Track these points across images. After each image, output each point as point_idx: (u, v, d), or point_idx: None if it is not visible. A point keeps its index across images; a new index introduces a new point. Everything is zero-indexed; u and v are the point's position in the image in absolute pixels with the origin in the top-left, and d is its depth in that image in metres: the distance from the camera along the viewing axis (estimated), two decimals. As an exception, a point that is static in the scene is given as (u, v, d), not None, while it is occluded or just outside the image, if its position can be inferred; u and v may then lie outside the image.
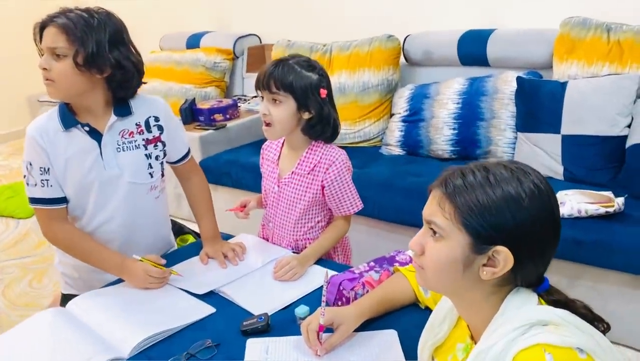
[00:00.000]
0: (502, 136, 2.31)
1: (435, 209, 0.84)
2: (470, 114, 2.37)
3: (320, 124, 1.51)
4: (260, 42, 3.57)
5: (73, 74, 1.36)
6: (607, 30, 2.17)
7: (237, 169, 2.60)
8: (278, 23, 3.50)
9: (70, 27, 1.34)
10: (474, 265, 0.81)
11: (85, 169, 1.46)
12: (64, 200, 1.48)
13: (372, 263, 1.44)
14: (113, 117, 1.47)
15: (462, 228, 0.80)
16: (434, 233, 0.84)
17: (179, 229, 2.07)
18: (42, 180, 1.44)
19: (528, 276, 0.82)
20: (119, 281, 1.49)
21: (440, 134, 2.42)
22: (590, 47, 2.16)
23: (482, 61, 2.53)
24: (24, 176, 1.47)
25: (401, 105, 2.60)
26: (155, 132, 1.55)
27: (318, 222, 1.61)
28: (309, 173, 1.54)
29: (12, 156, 4.61)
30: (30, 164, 1.44)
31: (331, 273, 1.46)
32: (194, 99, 3.05)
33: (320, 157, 1.53)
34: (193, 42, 3.62)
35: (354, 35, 2.92)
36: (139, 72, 1.49)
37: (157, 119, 1.56)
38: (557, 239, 0.82)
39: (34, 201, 1.46)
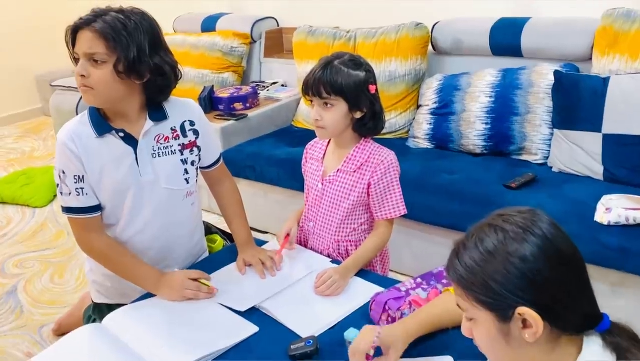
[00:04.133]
0: (537, 132, 2.23)
1: (458, 295, 0.86)
2: (504, 108, 2.28)
3: (373, 120, 1.48)
4: (278, 25, 3.46)
5: (113, 81, 1.30)
6: (652, 22, 2.07)
7: (260, 162, 2.53)
8: (296, 5, 3.39)
9: (109, 32, 1.26)
10: (513, 333, 0.81)
11: (120, 176, 1.41)
12: (98, 208, 1.43)
13: (418, 280, 1.38)
14: (149, 123, 1.41)
15: (479, 305, 0.82)
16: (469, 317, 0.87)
17: (206, 229, 2.02)
18: (77, 188, 1.38)
19: (571, 320, 0.80)
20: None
21: (472, 129, 2.34)
22: (634, 41, 2.06)
23: (515, 51, 2.43)
24: (57, 185, 1.41)
25: (429, 96, 2.51)
26: (191, 136, 1.49)
27: (361, 224, 1.57)
28: (355, 171, 1.50)
29: (22, 138, 4.53)
30: (63, 172, 1.38)
31: (373, 287, 1.41)
32: (212, 87, 2.96)
33: (369, 156, 1.50)
34: (208, 24, 3.51)
35: (378, 22, 2.81)
36: (176, 76, 1.42)
37: (192, 123, 1.50)
38: (581, 274, 0.82)
39: (68, 210, 1.41)
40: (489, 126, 2.30)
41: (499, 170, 2.17)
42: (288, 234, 1.56)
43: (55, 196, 3.26)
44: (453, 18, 2.64)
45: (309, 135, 2.77)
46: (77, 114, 3.49)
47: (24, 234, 2.86)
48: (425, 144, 2.50)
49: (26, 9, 4.86)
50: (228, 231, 2.01)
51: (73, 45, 1.32)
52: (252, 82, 3.30)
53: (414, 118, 2.61)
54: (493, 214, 0.89)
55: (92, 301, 1.63)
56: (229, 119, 2.72)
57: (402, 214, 1.51)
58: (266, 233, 2.71)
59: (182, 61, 3.30)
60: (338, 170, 1.53)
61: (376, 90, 1.48)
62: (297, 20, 3.34)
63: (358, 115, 1.47)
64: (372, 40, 2.69)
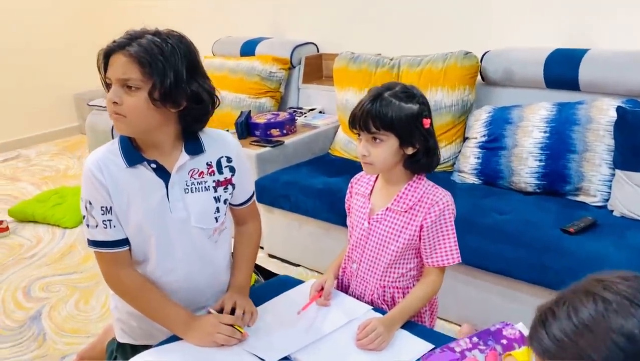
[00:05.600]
0: (596, 172, 2.06)
1: None
2: (560, 144, 2.13)
3: (426, 157, 1.35)
4: (318, 50, 3.38)
5: (147, 109, 1.20)
6: None
7: (295, 192, 2.42)
8: (337, 31, 3.31)
9: (144, 57, 1.17)
10: None
11: (149, 211, 1.30)
12: (126, 242, 1.32)
13: (474, 339, 1.24)
14: (185, 156, 1.31)
15: None
16: None
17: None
18: (104, 221, 1.28)
19: None
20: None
21: (524, 165, 2.18)
22: None
23: (572, 85, 2.28)
24: (83, 217, 1.31)
25: (477, 129, 2.38)
26: (227, 173, 1.38)
27: (410, 269, 1.43)
28: (406, 211, 1.37)
29: (57, 156, 4.55)
30: (90, 204, 1.29)
31: (422, 342, 1.27)
32: (249, 112, 2.88)
33: (422, 195, 1.36)
34: (248, 48, 3.45)
35: (422, 49, 2.71)
36: (214, 104, 1.32)
37: (229, 159, 1.39)
38: None
39: (95, 244, 1.31)
40: (543, 163, 2.15)
41: (554, 212, 2.01)
42: (322, 288, 1.43)
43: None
44: (504, 48, 2.51)
45: (346, 164, 2.69)
46: (112, 135, 3.49)
47: (52, 256, 2.80)
48: (472, 179, 2.35)
49: (66, 28, 4.93)
50: (262, 265, 1.90)
51: (105, 69, 1.23)
52: (290, 108, 3.22)
53: (460, 151, 2.47)
54: (589, 278, 0.76)
55: (117, 341, 1.52)
56: (265, 146, 2.63)
57: (456, 262, 1.37)
58: (298, 265, 2.59)
59: (219, 85, 3.26)
60: (387, 209, 1.40)
61: (431, 124, 1.36)
62: (337, 47, 3.26)
63: (410, 151, 1.34)
64: (417, 69, 2.57)
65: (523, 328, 1.25)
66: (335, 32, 3.31)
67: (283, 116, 2.87)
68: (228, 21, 3.90)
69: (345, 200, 1.55)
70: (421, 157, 1.35)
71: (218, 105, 1.35)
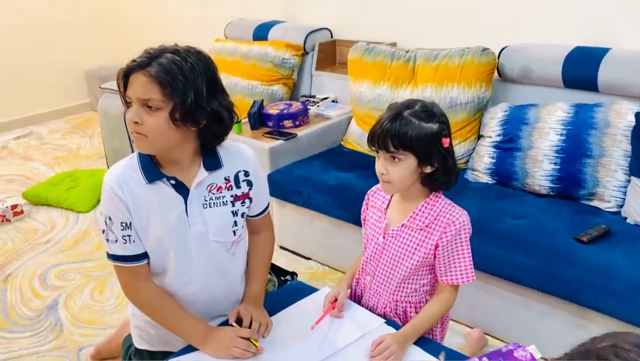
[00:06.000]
0: (611, 177, 2.04)
1: None
2: (576, 148, 2.11)
3: (444, 175, 1.34)
4: (332, 36, 3.33)
5: (168, 129, 1.21)
6: None
7: (308, 188, 2.43)
8: (353, 17, 3.25)
9: (164, 78, 1.17)
10: None
11: (169, 226, 1.32)
12: (146, 256, 1.35)
13: (484, 360, 1.26)
14: (203, 172, 1.32)
15: None
16: None
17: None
18: (124, 236, 1.30)
19: None
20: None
21: (539, 168, 2.17)
22: None
23: (591, 85, 2.24)
24: (103, 231, 1.33)
25: (493, 127, 2.35)
26: (245, 188, 1.39)
27: (423, 285, 1.44)
28: (422, 229, 1.37)
29: (69, 135, 4.56)
30: (110, 219, 1.30)
31: (433, 360, 1.30)
32: (262, 102, 2.87)
33: (438, 213, 1.37)
34: (261, 32, 3.41)
35: (439, 42, 2.67)
36: (232, 120, 1.32)
37: (247, 173, 1.39)
38: None
39: (114, 258, 1.33)
40: (558, 166, 2.13)
41: (567, 217, 2.00)
42: (336, 300, 1.45)
43: (99, 201, 3.25)
44: (523, 43, 2.46)
45: (359, 158, 2.68)
46: (127, 133, 3.46)
47: (67, 242, 2.84)
48: (485, 178, 2.34)
49: (76, 3, 4.88)
50: (278, 264, 1.92)
51: (125, 87, 1.23)
52: (302, 96, 3.20)
53: (474, 149, 2.45)
54: (602, 339, 0.75)
55: (135, 347, 1.56)
56: (278, 139, 2.63)
57: (470, 281, 1.38)
58: (309, 259, 2.61)
59: (232, 71, 3.28)
60: (403, 225, 1.40)
61: (450, 143, 1.35)
62: (352, 33, 3.22)
63: (428, 170, 1.34)
64: (433, 63, 2.54)
65: (535, 350, 1.26)
66: (350, 18, 3.25)
67: (296, 106, 2.85)
68: (241, 3, 3.84)
69: (362, 211, 1.56)
70: (439, 176, 1.35)
71: (237, 121, 1.35)
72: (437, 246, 1.36)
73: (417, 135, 1.29)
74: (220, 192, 1.36)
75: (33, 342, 2.11)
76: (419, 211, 1.38)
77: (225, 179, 1.36)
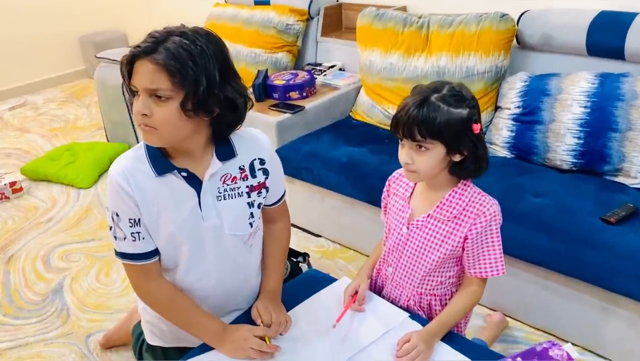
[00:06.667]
0: (638, 152, 1.95)
1: None
2: (601, 122, 2.00)
3: (474, 163, 1.24)
4: (338, 0, 3.17)
5: (179, 120, 1.10)
6: None
7: (318, 165, 2.33)
8: (359, -22, 3.08)
9: (173, 65, 1.06)
10: None
11: (181, 220, 1.23)
12: (156, 252, 1.26)
13: (518, 359, 1.19)
14: (217, 163, 1.22)
15: None
16: None
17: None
18: (133, 233, 1.22)
19: None
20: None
21: (562, 142, 2.07)
22: None
23: (617, 54, 2.11)
24: (110, 228, 1.24)
25: (511, 98, 2.24)
26: (261, 177, 1.30)
27: (449, 277, 1.37)
28: (449, 220, 1.29)
29: (65, 104, 4.42)
30: (117, 215, 1.21)
31: (463, 358, 1.24)
32: (266, 72, 2.73)
33: (467, 203, 1.27)
34: (262, -4, 3.24)
35: (451, 6, 2.52)
36: (246, 106, 1.22)
37: (262, 161, 1.30)
38: None
39: (123, 256, 1.25)
40: (581, 141, 2.03)
41: (592, 195, 1.91)
42: (356, 292, 1.37)
43: (100, 176, 3.16)
44: (544, 8, 2.32)
45: (369, 130, 2.58)
46: (126, 102, 3.31)
47: (69, 221, 2.76)
48: (504, 152, 2.24)
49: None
50: (297, 249, 1.85)
51: (129, 75, 1.12)
52: (308, 64, 3.06)
53: (491, 121, 2.35)
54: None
55: (147, 343, 1.50)
56: (285, 112, 2.51)
57: (501, 274, 1.31)
58: (319, 236, 2.54)
59: (234, 38, 3.13)
60: (429, 215, 1.32)
61: (481, 129, 1.25)
62: (358, -5, 3.05)
63: (457, 158, 1.24)
64: (448, 30, 2.40)
65: (571, 349, 1.20)
66: (357, -21, 3.08)
67: (302, 76, 2.72)
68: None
69: (382, 198, 1.47)
70: (469, 164, 1.25)
71: (251, 107, 1.24)
72: (466, 238, 1.28)
73: (446, 122, 1.19)
74: (235, 183, 1.27)
75: (39, 329, 2.06)
76: (447, 201, 1.29)
77: (240, 168, 1.27)
